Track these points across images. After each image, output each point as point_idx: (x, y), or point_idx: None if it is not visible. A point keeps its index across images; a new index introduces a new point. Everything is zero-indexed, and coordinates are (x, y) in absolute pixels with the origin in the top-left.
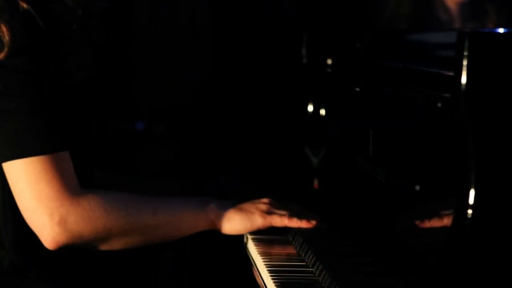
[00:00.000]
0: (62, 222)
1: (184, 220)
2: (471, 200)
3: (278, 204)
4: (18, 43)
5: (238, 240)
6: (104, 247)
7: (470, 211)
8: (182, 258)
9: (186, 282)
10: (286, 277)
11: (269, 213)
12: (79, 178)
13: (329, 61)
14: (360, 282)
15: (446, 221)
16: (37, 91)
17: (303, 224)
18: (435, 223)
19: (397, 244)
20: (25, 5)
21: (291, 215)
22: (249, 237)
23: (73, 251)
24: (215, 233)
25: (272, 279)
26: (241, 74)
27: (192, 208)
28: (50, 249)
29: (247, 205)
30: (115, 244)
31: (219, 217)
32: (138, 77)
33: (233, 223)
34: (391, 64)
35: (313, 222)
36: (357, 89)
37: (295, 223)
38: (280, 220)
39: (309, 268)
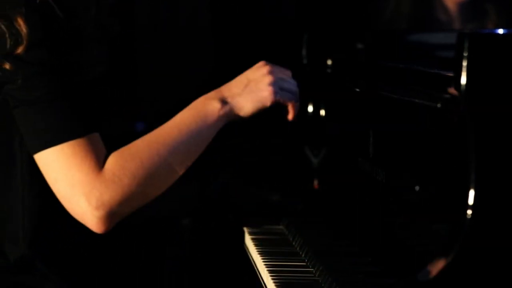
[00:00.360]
0: (100, 204)
1: (201, 131)
2: (470, 200)
3: (277, 69)
4: (35, 36)
5: (238, 240)
6: (149, 198)
7: (470, 211)
8: (182, 257)
9: (186, 281)
10: (286, 277)
11: (279, 88)
12: None
13: (329, 62)
14: (360, 282)
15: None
16: (55, 81)
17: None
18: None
19: (397, 244)
20: None
21: (295, 99)
22: (249, 236)
23: (80, 249)
24: (215, 233)
25: (272, 279)
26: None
27: (201, 116)
28: (100, 233)
29: (253, 83)
30: (158, 189)
31: (229, 111)
32: (139, 77)
33: (246, 109)
34: (391, 64)
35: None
36: (357, 89)
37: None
38: (289, 96)
39: (309, 268)
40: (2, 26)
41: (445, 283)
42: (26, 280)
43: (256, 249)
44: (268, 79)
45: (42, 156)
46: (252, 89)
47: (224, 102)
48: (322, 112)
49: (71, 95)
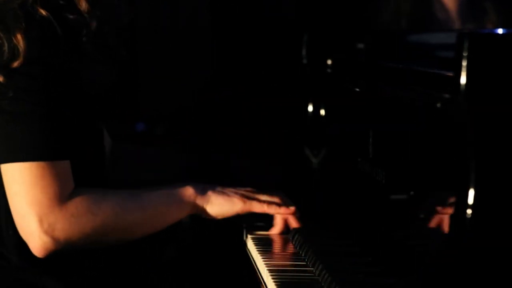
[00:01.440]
0: (50, 230)
1: (169, 212)
2: (470, 200)
3: (260, 191)
4: (32, 52)
5: (238, 239)
6: (92, 245)
7: (469, 211)
8: (182, 257)
9: (186, 281)
10: (286, 277)
11: (249, 198)
12: (91, 185)
13: (329, 62)
14: (360, 282)
15: (446, 221)
16: (45, 98)
17: (281, 210)
18: (434, 223)
19: (397, 244)
20: (44, 12)
21: (271, 202)
22: (249, 236)
23: (75, 251)
24: (215, 233)
25: (272, 278)
26: (242, 75)
27: (176, 198)
28: (37, 255)
29: (228, 190)
30: (103, 242)
31: (201, 201)
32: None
33: (214, 206)
34: (391, 64)
35: (292, 209)
36: (357, 89)
37: (273, 209)
38: (260, 206)
39: (309, 267)
40: (2, 38)
41: (445, 283)
42: (27, 277)
43: (256, 248)
44: (245, 191)
45: (9, 167)
46: (227, 193)
47: (201, 191)
48: (322, 112)
49: (58, 115)
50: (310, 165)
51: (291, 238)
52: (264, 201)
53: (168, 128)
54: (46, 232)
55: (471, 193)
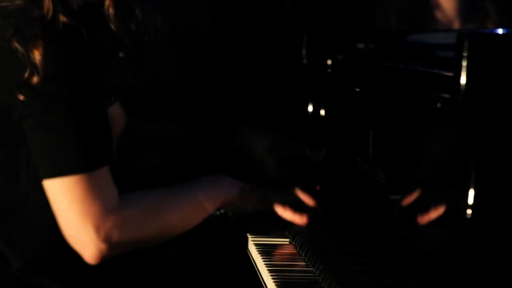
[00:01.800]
0: (107, 238)
1: (205, 208)
2: (470, 200)
3: (280, 191)
4: (53, 68)
5: (238, 239)
6: (141, 246)
7: (469, 211)
8: (183, 258)
9: (186, 281)
10: (286, 277)
11: (271, 200)
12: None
13: (329, 62)
14: (360, 282)
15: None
16: (75, 112)
17: (295, 220)
18: (434, 223)
19: (397, 244)
20: (66, 19)
21: (287, 207)
22: (249, 236)
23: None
24: (215, 233)
25: (272, 278)
26: (241, 75)
27: (211, 195)
28: (92, 264)
29: (252, 187)
30: (151, 242)
31: (231, 199)
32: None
33: (241, 203)
34: (391, 64)
35: (304, 221)
36: (357, 89)
37: (288, 216)
38: (278, 209)
39: (309, 268)
40: (20, 54)
41: (445, 283)
42: (27, 279)
43: (256, 248)
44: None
45: (56, 182)
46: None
47: (232, 188)
48: (322, 112)
49: (92, 124)
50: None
51: (291, 239)
52: (282, 204)
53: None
54: (104, 240)
55: (471, 193)
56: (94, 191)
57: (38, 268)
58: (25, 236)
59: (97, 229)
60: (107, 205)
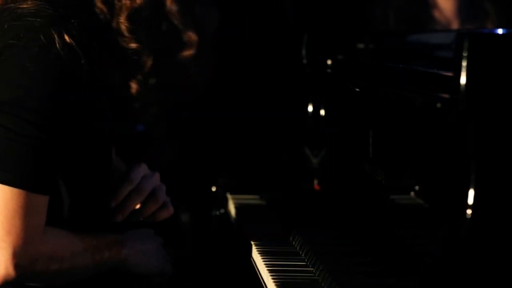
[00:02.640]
0: (20, 264)
1: (107, 262)
2: (470, 200)
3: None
4: (38, 89)
5: (238, 239)
6: (37, 280)
7: (469, 211)
8: (182, 257)
9: (186, 281)
10: (286, 277)
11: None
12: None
13: (329, 62)
14: (360, 282)
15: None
16: (43, 130)
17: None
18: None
19: (397, 244)
20: (68, 40)
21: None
22: (249, 236)
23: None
24: (215, 234)
25: (272, 278)
26: (241, 75)
27: (112, 254)
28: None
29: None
30: (48, 281)
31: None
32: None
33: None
34: (391, 64)
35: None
36: (357, 89)
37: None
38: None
39: (309, 268)
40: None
41: (445, 283)
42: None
43: (256, 248)
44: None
45: None
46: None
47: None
48: (322, 112)
49: (51, 151)
50: (310, 165)
51: (291, 238)
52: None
53: (168, 130)
54: (16, 266)
55: (471, 193)
56: (27, 212)
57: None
58: None
59: (14, 250)
60: (32, 231)
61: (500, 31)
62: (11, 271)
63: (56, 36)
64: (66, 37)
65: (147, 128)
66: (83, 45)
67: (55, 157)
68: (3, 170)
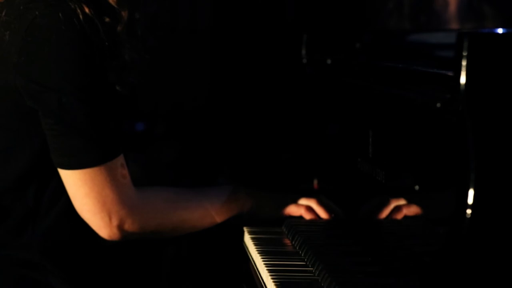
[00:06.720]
0: (120, 225)
1: (212, 215)
2: (470, 200)
3: (298, 196)
4: (67, 59)
5: (238, 240)
6: (148, 236)
7: (469, 211)
8: (182, 257)
9: (186, 281)
10: (285, 277)
11: (287, 204)
12: None
13: (329, 62)
14: (360, 282)
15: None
16: (92, 104)
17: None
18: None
19: (397, 244)
20: (87, 10)
21: (309, 207)
22: (249, 236)
23: (81, 249)
24: (215, 233)
25: (272, 278)
26: (241, 75)
27: (220, 203)
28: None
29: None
30: (160, 235)
31: (248, 205)
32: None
33: (259, 209)
34: (391, 64)
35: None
36: (357, 89)
37: (311, 216)
38: (297, 210)
39: (309, 267)
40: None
41: (445, 283)
42: (33, 275)
43: (256, 248)
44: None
45: (76, 173)
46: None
47: (248, 196)
48: (322, 112)
49: (103, 116)
50: (309, 165)
51: (290, 238)
52: (301, 205)
53: (168, 129)
54: (117, 226)
55: (471, 193)
56: (112, 180)
57: (47, 260)
58: (38, 225)
59: (111, 216)
60: (125, 194)
61: (500, 31)
62: (116, 233)
63: (77, 8)
64: (86, 9)
65: (147, 128)
66: (99, 17)
67: (109, 116)
68: (73, 157)
